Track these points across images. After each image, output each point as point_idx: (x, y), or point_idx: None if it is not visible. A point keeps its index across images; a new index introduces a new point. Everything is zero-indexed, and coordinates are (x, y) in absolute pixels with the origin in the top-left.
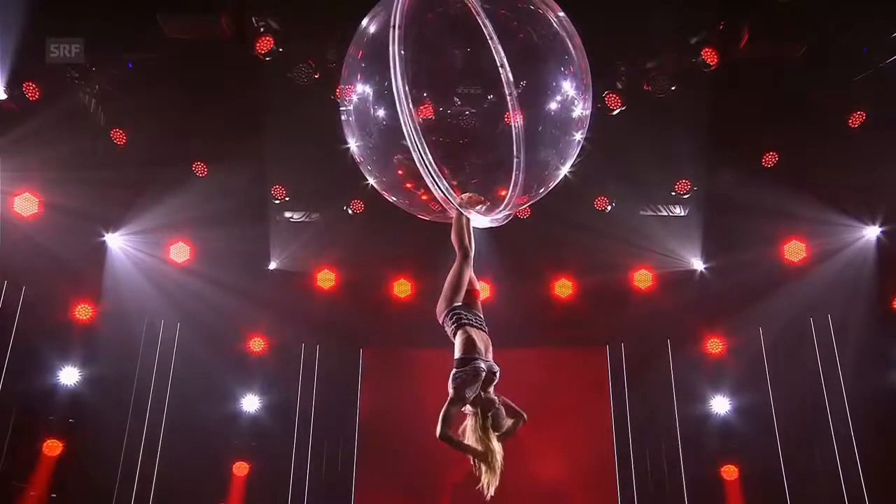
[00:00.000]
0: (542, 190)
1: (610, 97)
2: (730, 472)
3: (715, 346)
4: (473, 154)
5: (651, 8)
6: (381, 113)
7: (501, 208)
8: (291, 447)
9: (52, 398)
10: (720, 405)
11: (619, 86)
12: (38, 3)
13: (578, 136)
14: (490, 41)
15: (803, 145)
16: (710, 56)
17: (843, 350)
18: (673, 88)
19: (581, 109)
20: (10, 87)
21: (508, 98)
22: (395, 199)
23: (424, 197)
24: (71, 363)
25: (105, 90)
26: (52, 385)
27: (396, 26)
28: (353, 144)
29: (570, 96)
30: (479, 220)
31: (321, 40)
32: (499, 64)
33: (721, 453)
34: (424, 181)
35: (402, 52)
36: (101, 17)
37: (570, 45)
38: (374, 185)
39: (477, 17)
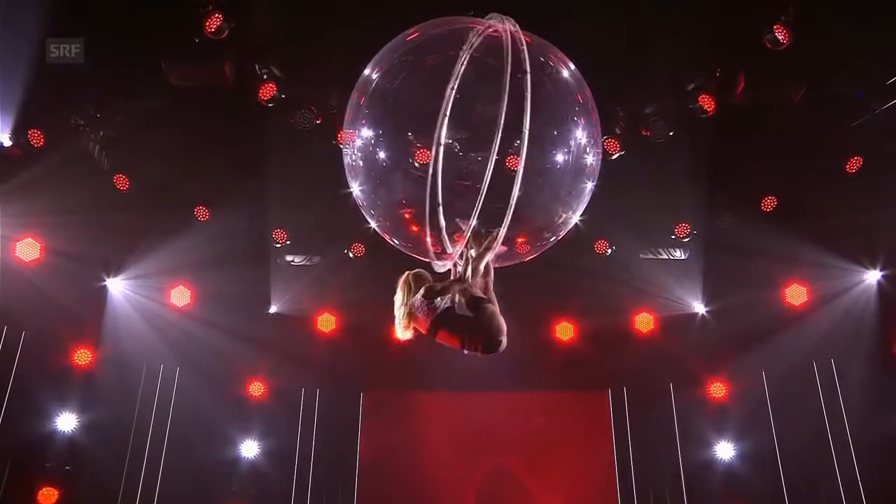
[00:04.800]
0: (552, 238)
1: (609, 142)
2: None
3: (718, 390)
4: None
5: (648, 54)
6: (383, 157)
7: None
8: (290, 493)
9: (49, 445)
10: (724, 450)
11: (618, 131)
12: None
13: (590, 184)
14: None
15: (802, 190)
16: (707, 102)
17: (846, 394)
18: (671, 133)
19: (592, 158)
20: (16, 134)
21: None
22: (396, 242)
23: (429, 239)
24: (69, 409)
25: (109, 136)
26: (49, 431)
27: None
28: (355, 188)
29: (583, 145)
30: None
31: (323, 87)
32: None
33: (726, 499)
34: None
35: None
36: (106, 64)
37: (581, 97)
38: (376, 229)
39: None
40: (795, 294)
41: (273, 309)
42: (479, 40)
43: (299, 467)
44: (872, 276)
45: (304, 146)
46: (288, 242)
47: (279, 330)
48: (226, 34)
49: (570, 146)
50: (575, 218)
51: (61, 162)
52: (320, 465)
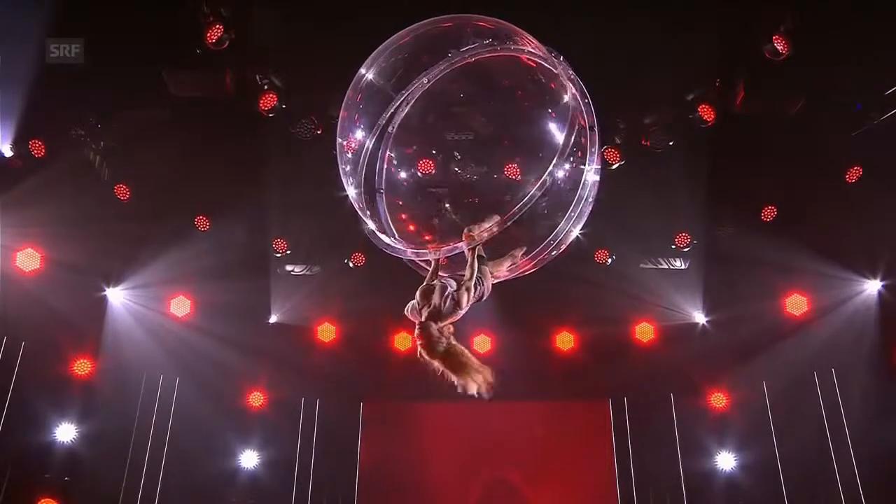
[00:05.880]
0: (554, 252)
1: (609, 152)
2: None
3: (718, 400)
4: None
5: (648, 64)
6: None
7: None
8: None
9: (48, 455)
10: (725, 461)
11: (618, 140)
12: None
13: (590, 197)
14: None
15: (802, 200)
16: (706, 112)
17: (847, 404)
18: (671, 143)
19: (592, 174)
20: (17, 144)
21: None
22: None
23: (428, 237)
24: (68, 419)
25: (110, 146)
26: (48, 442)
27: None
28: (350, 191)
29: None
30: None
31: (323, 95)
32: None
33: None
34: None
35: None
36: (107, 70)
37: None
38: (374, 230)
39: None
40: (796, 304)
41: (273, 319)
42: (487, 54)
43: (299, 477)
44: (873, 286)
45: (305, 156)
46: (288, 252)
47: (279, 340)
48: (226, 44)
49: (573, 165)
50: (576, 232)
51: (62, 172)
52: (320, 475)
